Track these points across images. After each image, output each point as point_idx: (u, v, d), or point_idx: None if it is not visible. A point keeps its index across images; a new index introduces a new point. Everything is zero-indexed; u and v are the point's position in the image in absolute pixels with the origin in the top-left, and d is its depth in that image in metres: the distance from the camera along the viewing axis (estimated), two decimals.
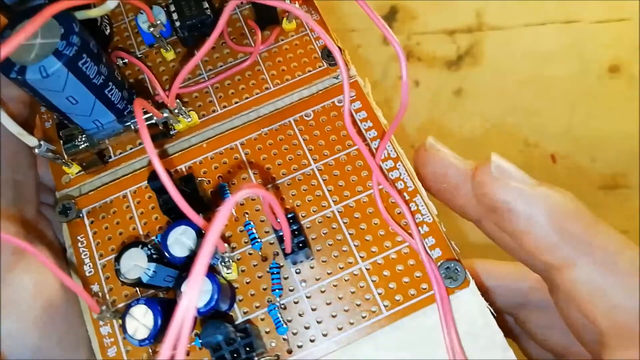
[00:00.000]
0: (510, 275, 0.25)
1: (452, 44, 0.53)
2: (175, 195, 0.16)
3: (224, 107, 0.23)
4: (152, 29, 0.23)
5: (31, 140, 0.21)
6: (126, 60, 0.24)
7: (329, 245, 0.20)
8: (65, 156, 0.22)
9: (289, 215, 0.20)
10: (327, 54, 0.23)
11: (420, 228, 0.20)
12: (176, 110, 0.22)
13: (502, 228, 0.19)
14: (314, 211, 0.21)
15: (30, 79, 0.19)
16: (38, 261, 0.20)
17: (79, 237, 0.22)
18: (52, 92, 0.20)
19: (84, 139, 0.22)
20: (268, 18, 0.24)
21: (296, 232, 0.19)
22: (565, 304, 0.18)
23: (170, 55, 0.24)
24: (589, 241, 0.17)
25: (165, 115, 0.21)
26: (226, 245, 0.20)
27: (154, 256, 0.19)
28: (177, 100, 0.22)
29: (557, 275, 0.18)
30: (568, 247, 0.17)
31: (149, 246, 0.19)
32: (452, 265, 0.19)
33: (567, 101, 0.51)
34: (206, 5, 0.23)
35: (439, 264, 0.20)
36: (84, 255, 0.21)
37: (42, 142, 0.21)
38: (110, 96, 0.21)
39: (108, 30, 0.25)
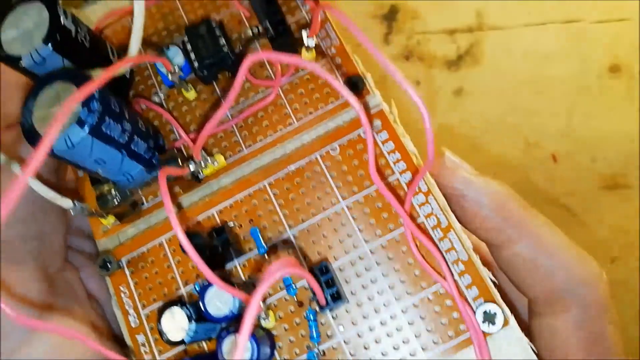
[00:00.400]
0: None
1: (452, 44, 0.53)
2: (203, 268, 0.16)
3: (249, 145, 0.23)
4: (171, 76, 0.23)
5: (65, 202, 0.21)
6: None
7: (363, 287, 0.20)
8: (100, 211, 0.22)
9: (321, 266, 0.20)
10: (350, 83, 0.22)
11: (455, 266, 0.20)
12: (201, 162, 0.21)
13: (454, 212, 0.21)
14: (345, 252, 0.21)
15: (57, 150, 0.19)
16: (62, 319, 0.21)
17: (121, 288, 0.22)
18: (80, 158, 0.20)
19: (115, 193, 0.22)
20: (286, 48, 0.23)
21: (329, 283, 0.20)
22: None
23: (191, 95, 0.24)
24: (525, 223, 0.21)
25: (192, 169, 0.21)
26: (262, 303, 0.20)
27: (194, 316, 0.19)
28: (202, 151, 0.22)
29: (498, 252, 0.21)
30: (509, 228, 0.21)
31: (187, 305, 0.20)
32: (490, 309, 0.19)
33: (567, 101, 0.51)
34: (222, 41, 0.23)
35: (476, 306, 0.19)
36: (128, 306, 0.22)
37: (76, 202, 0.21)
38: (136, 150, 0.21)
39: (129, 73, 0.24)
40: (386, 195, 0.19)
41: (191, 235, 0.19)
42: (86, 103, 0.19)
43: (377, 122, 0.22)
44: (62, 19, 0.20)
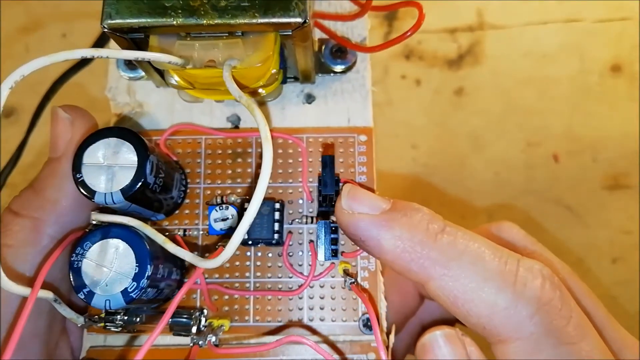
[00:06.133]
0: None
1: (453, 43, 0.53)
2: None
3: (256, 320, 0.25)
4: (220, 227, 0.24)
5: (79, 320, 0.22)
6: None
7: None
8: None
9: None
10: (366, 322, 0.24)
11: None
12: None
13: (372, 255, 0.21)
14: None
15: (94, 304, 0.20)
16: None
17: None
18: None
19: (124, 318, 0.23)
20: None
21: None
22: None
23: None
24: (438, 254, 0.19)
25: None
26: None
27: None
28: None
29: (424, 291, 0.21)
30: (416, 267, 0.20)
31: None
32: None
33: (568, 100, 0.51)
34: (277, 226, 0.24)
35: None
36: None
37: (86, 319, 0.23)
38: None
39: (181, 199, 0.25)
40: None
41: None
42: (137, 278, 0.20)
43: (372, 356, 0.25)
44: (147, 175, 0.21)
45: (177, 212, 0.26)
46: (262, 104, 0.27)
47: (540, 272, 0.20)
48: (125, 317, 0.24)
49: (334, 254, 0.24)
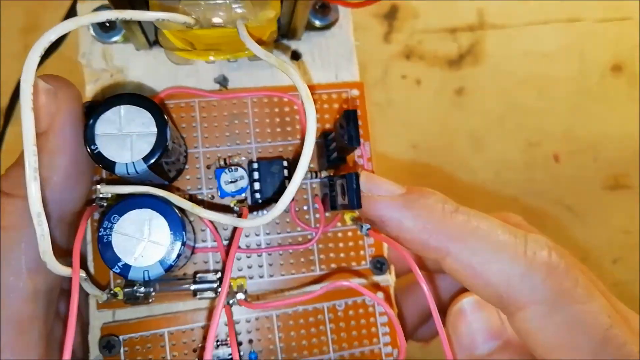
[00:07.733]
0: None
1: (453, 43, 0.54)
2: None
3: (270, 276, 0.25)
4: (231, 189, 0.24)
5: (102, 297, 0.22)
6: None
7: None
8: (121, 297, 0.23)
9: None
10: (376, 265, 0.26)
11: None
12: None
13: (389, 236, 0.22)
14: None
15: (131, 276, 0.20)
16: None
17: None
18: None
19: (142, 290, 0.23)
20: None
21: None
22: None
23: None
24: (452, 232, 0.21)
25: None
26: None
27: None
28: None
29: (442, 266, 0.22)
30: (435, 242, 0.21)
31: None
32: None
33: (569, 100, 0.52)
34: (286, 184, 0.24)
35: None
36: None
37: (107, 295, 0.22)
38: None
39: (183, 165, 0.25)
40: None
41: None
42: (173, 246, 0.20)
43: (380, 294, 0.27)
44: (168, 141, 0.20)
45: (178, 178, 0.25)
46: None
47: (546, 244, 0.22)
48: (143, 289, 0.23)
49: None
